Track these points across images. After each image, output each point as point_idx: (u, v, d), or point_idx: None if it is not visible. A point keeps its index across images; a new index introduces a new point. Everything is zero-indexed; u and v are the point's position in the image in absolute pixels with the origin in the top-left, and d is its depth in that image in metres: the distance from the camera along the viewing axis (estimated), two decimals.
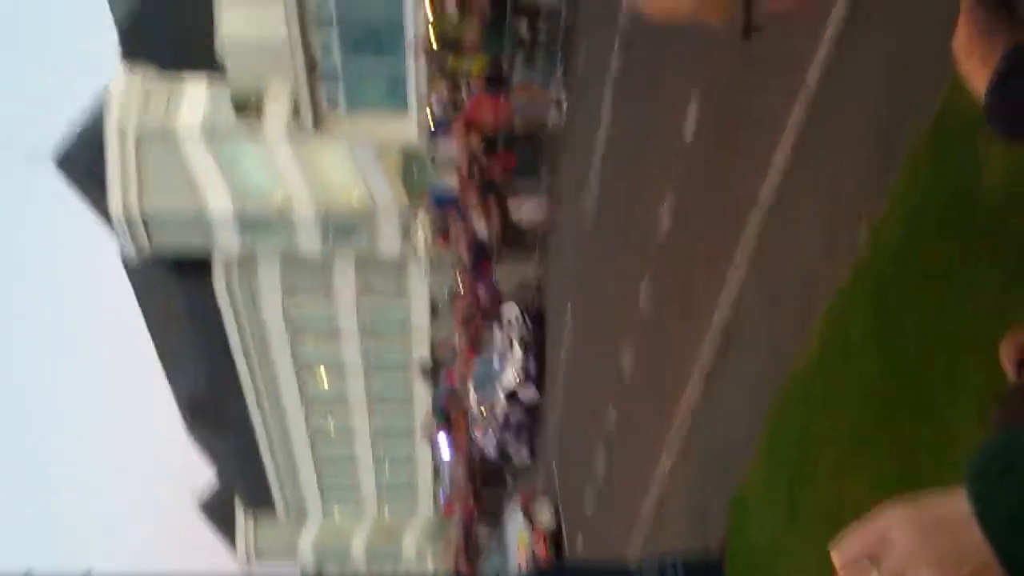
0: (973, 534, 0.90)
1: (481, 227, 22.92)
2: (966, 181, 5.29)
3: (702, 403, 10.72)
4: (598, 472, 16.12)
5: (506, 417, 22.91)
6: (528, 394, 22.21)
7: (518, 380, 21.93)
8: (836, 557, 0.96)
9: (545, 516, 20.50)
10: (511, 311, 22.96)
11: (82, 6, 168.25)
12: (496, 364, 22.90)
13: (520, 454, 24.21)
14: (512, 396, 22.36)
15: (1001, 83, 1.20)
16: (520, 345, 21.98)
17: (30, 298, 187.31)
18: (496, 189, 21.72)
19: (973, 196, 5.22)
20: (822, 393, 7.53)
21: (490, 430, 23.78)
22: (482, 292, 25.33)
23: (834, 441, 7.20)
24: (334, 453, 49.31)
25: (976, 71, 1.25)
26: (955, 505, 0.92)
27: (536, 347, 22.00)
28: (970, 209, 5.29)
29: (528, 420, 23.06)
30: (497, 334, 23.27)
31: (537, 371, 22.03)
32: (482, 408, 23.90)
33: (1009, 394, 1.94)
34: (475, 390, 24.43)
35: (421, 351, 39.66)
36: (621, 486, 14.92)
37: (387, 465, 50.14)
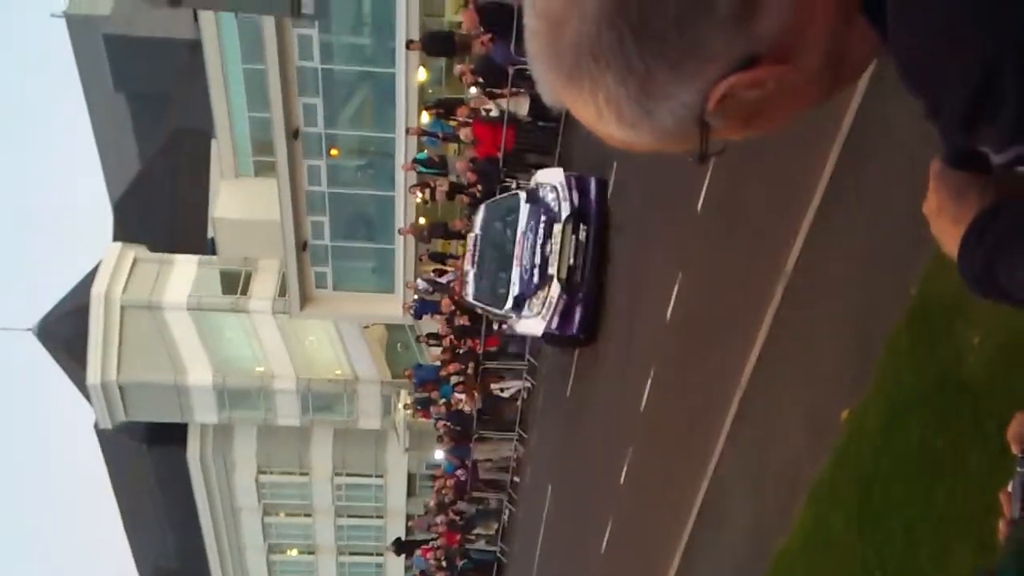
0: None
1: (464, 405, 22.68)
2: (947, 363, 5.35)
3: None
4: None
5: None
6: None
7: (545, 317, 13.68)
8: None
9: None
10: (553, 176, 13.75)
11: (78, 184, 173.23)
12: (516, 282, 13.99)
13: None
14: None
15: (975, 243, 1.22)
16: (567, 252, 13.23)
17: None
18: (480, 366, 21.73)
19: (955, 378, 5.26)
20: None
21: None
22: (461, 471, 24.86)
23: None
24: None
25: (948, 232, 1.29)
26: None
27: (594, 258, 13.29)
28: (953, 391, 5.32)
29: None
30: (523, 214, 13.88)
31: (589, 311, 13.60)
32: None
33: (993, 567, 1.94)
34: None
35: (396, 529, 38.53)
36: None
37: None
